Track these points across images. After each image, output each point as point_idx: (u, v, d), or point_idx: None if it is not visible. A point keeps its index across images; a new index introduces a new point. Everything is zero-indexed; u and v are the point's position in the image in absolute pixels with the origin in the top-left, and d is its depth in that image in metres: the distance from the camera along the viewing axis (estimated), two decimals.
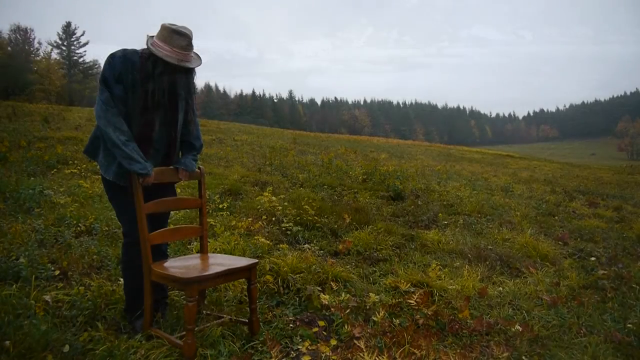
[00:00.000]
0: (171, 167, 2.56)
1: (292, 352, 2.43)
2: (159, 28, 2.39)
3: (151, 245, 2.39)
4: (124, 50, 2.39)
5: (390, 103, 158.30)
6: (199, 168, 2.70)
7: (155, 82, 2.33)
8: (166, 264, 2.44)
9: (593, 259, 4.59)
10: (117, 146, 2.28)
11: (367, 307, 2.98)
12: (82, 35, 59.62)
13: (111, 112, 2.29)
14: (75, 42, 58.98)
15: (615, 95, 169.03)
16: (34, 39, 53.25)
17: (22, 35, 51.95)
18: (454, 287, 3.45)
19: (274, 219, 5.01)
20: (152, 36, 2.39)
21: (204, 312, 2.66)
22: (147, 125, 2.41)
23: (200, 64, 2.46)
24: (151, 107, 2.38)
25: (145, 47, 2.38)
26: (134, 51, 2.39)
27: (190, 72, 2.48)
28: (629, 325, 2.96)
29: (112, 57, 2.35)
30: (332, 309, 2.90)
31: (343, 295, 3.15)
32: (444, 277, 3.67)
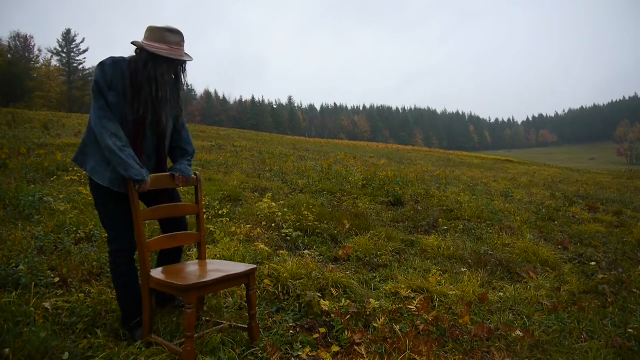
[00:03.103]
0: (167, 173, 2.57)
1: (293, 359, 2.43)
2: (144, 32, 2.41)
3: (165, 251, 2.40)
4: (113, 58, 2.40)
5: (389, 109, 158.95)
6: (195, 174, 2.70)
7: (146, 88, 2.36)
8: (164, 271, 2.44)
9: (593, 263, 4.58)
10: (114, 152, 2.28)
11: (368, 313, 2.97)
12: (82, 42, 60.12)
13: (107, 118, 2.30)
14: (75, 49, 59.38)
15: (614, 100, 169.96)
16: (34, 46, 53.61)
17: (22, 42, 52.25)
18: (454, 292, 3.45)
19: (273, 225, 5.01)
20: (140, 42, 2.40)
21: (204, 318, 2.66)
22: (138, 131, 2.42)
23: (192, 59, 2.50)
24: (142, 114, 2.39)
25: (134, 54, 2.41)
26: (122, 59, 2.42)
27: (179, 79, 2.52)
28: (629, 330, 2.95)
29: (102, 65, 2.37)
30: (332, 315, 2.89)
31: (343, 301, 3.14)
32: (444, 282, 3.66)
